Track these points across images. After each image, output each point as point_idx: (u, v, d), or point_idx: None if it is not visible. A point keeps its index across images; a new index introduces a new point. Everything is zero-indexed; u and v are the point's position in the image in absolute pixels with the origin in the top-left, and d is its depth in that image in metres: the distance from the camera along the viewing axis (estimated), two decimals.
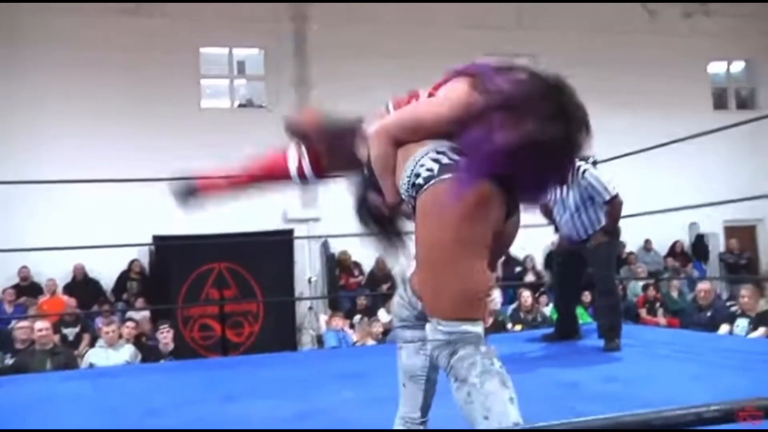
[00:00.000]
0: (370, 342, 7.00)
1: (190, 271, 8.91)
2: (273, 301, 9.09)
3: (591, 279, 4.48)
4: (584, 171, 4.19)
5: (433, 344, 1.75)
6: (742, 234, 12.07)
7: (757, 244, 12.52)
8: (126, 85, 10.06)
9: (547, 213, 4.45)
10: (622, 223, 4.34)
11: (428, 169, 1.77)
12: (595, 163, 4.63)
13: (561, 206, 4.29)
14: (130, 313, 8.55)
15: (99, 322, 8.60)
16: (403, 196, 1.87)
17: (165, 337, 6.85)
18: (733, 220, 11.85)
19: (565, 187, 4.20)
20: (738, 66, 13.41)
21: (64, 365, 6.03)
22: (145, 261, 9.89)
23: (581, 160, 4.40)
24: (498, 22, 11.65)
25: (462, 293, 1.70)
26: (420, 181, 1.77)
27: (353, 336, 7.62)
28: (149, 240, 9.00)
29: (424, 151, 1.81)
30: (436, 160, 1.78)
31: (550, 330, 4.81)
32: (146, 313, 8.65)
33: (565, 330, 4.50)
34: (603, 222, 4.19)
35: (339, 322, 7.81)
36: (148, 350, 6.96)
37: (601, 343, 4.15)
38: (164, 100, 10.21)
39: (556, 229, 4.52)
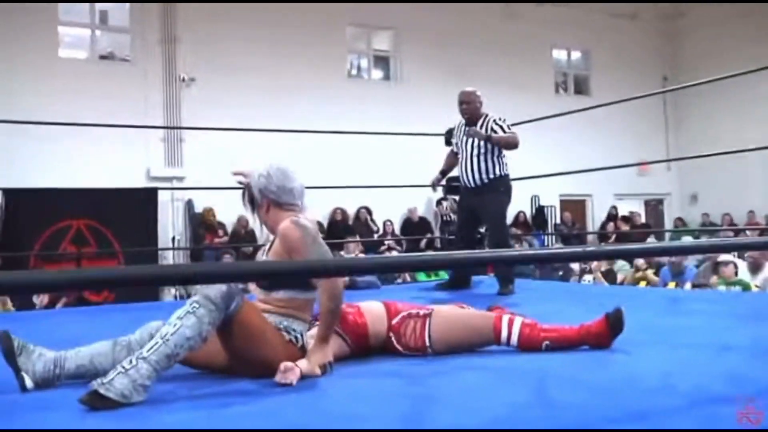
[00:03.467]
0: None
1: (45, 227, 8.44)
2: (135, 257, 8.76)
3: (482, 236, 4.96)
4: (491, 119, 4.69)
5: None
6: (574, 207, 13.38)
7: (585, 217, 13.94)
8: None
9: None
10: None
11: None
12: None
13: (463, 151, 4.73)
14: None
15: None
16: None
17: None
18: (567, 194, 13.10)
19: (467, 135, 4.67)
20: (576, 55, 14.69)
21: None
22: None
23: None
24: None
25: None
26: None
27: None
28: None
29: None
30: None
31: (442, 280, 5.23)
32: None
33: (459, 280, 4.94)
34: (500, 171, 4.67)
35: None
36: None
37: (493, 290, 4.62)
38: (21, 43, 9.48)
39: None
